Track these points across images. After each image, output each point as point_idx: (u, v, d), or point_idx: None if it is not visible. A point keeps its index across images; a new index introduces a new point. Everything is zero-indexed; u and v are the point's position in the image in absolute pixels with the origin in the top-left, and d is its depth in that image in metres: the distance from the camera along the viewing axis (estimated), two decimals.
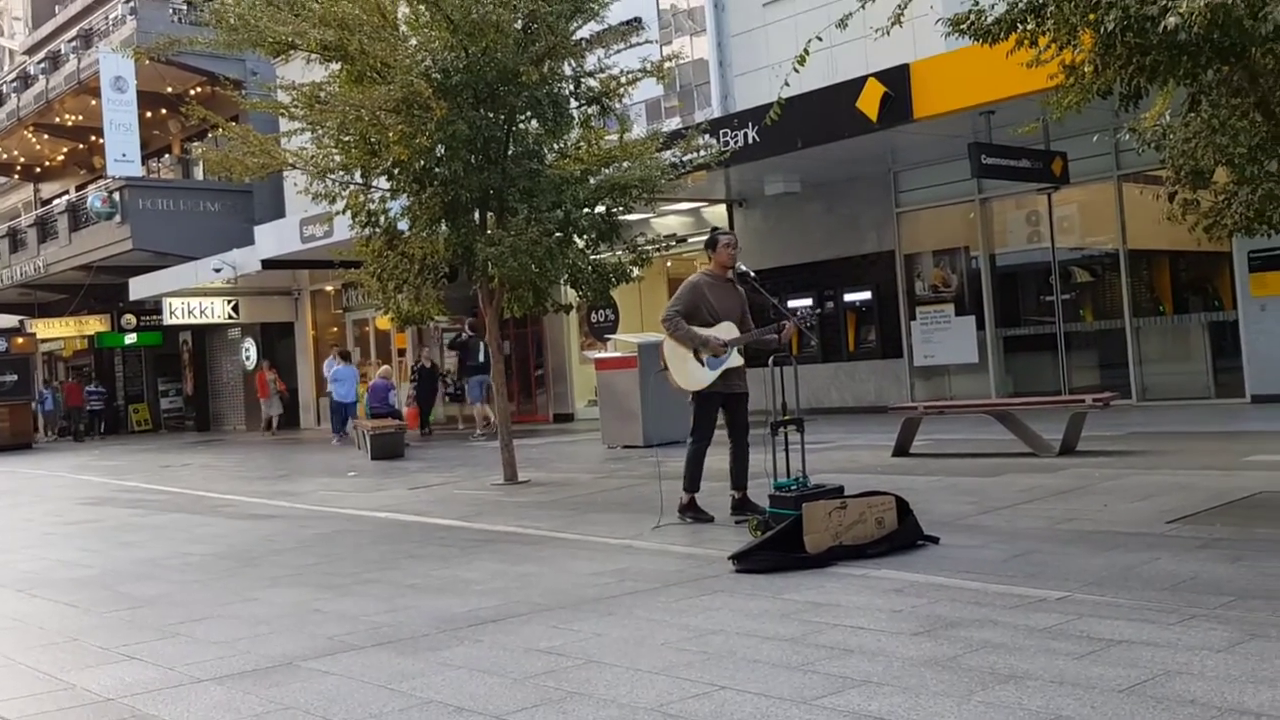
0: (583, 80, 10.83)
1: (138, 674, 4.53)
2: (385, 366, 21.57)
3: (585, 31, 10.90)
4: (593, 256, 11.16)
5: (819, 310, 17.36)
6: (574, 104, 10.81)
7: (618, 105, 11.22)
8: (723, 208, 19.03)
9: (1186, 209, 7.30)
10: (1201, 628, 4.17)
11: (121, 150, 26.36)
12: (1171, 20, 5.17)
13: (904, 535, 6.11)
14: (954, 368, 16.71)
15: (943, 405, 13.06)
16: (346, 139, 10.64)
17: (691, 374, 7.43)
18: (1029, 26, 6.35)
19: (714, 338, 7.35)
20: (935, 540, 6.17)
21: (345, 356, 21.98)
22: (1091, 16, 5.74)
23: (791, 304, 16.97)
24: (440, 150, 10.18)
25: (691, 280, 7.65)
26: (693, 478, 7.58)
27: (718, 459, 7.75)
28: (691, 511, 7.57)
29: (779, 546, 5.86)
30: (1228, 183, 7.05)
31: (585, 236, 10.91)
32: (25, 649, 5.16)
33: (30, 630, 5.61)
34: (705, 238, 7.95)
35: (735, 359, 7.49)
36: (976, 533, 6.47)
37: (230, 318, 27.75)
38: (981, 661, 3.93)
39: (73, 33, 30.94)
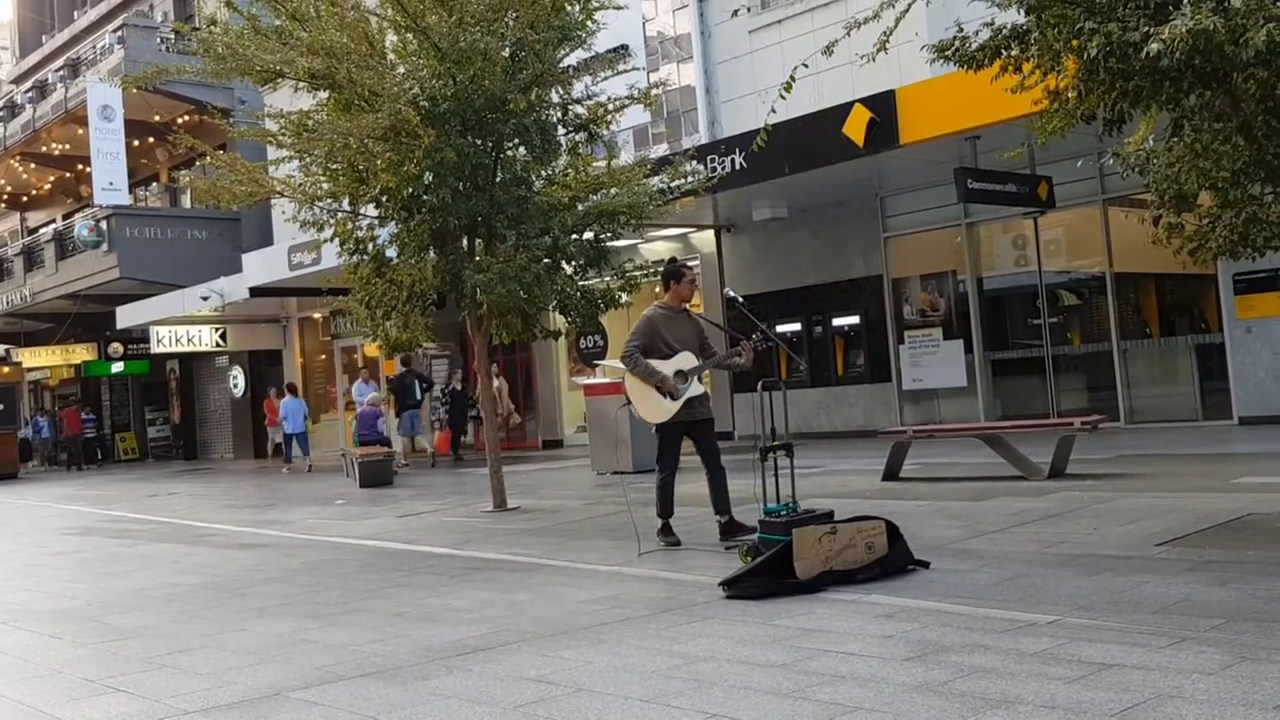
0: (570, 107, 10.87)
1: (124, 706, 4.49)
2: (374, 394, 21.50)
3: (573, 59, 10.95)
4: (581, 283, 11.16)
5: (781, 339, 17.39)
6: (562, 131, 10.84)
7: (605, 132, 11.25)
8: (710, 233, 19.09)
9: (1171, 232, 7.34)
10: (1192, 650, 4.16)
11: (109, 179, 26.31)
12: (1154, 46, 5.22)
13: (894, 560, 6.10)
14: (943, 392, 16.73)
15: (932, 429, 13.06)
16: (334, 167, 10.65)
17: (655, 406, 7.57)
18: (1013, 53, 6.40)
19: (669, 376, 7.49)
20: (925, 565, 6.16)
21: (292, 390, 22.95)
22: (1075, 43, 5.78)
23: (779, 329, 17.02)
24: (428, 178, 10.19)
25: (646, 314, 7.78)
26: (663, 504, 7.71)
27: (699, 485, 7.77)
28: (663, 535, 7.70)
29: (769, 572, 5.85)
30: (1211, 206, 7.09)
31: (573, 263, 10.91)
32: (9, 682, 5.10)
33: (14, 663, 5.55)
34: (666, 270, 7.95)
35: (696, 388, 7.63)
36: (966, 557, 6.47)
37: (218, 346, 27.66)
38: (973, 686, 3.91)
39: (60, 62, 30.97)
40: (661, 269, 8.31)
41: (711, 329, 8.12)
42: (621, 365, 7.70)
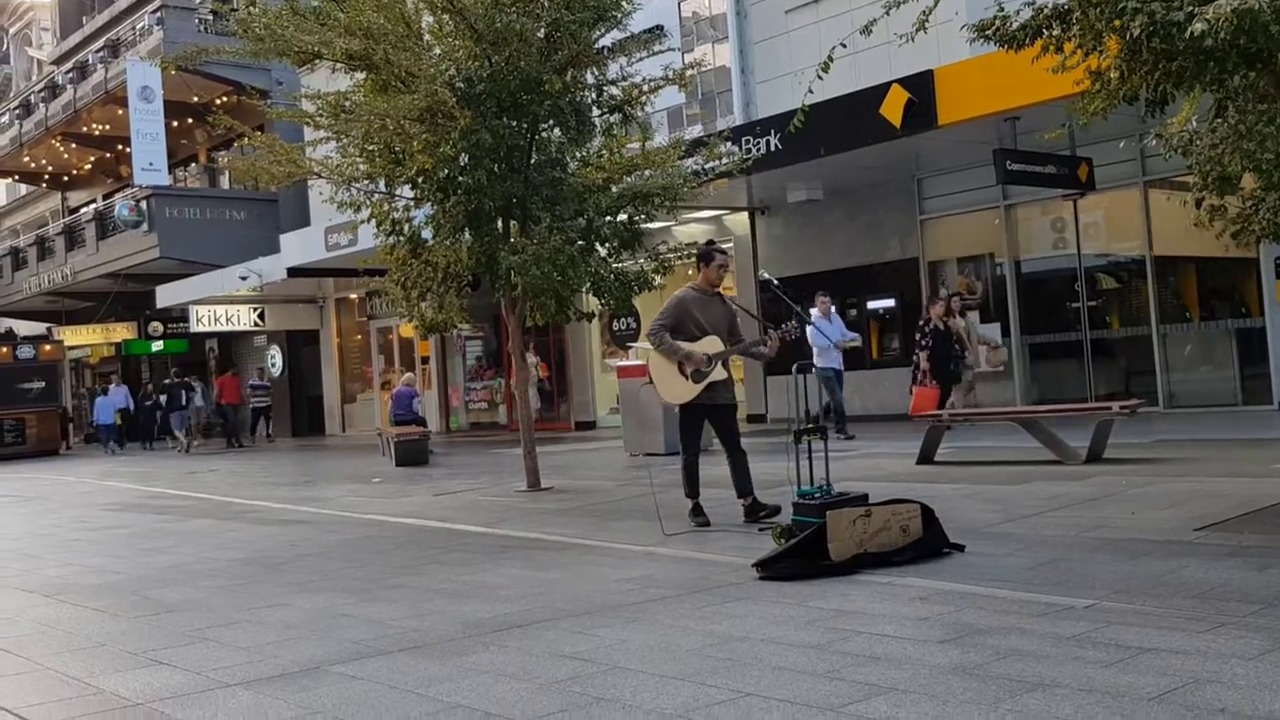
0: (605, 88, 10.86)
1: (165, 679, 4.57)
2: (409, 374, 21.66)
3: (608, 40, 10.94)
4: (615, 265, 11.17)
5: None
6: (596, 112, 10.84)
7: (640, 113, 11.24)
8: (745, 215, 19.02)
9: (1214, 215, 7.27)
10: (1231, 635, 4.14)
11: (148, 159, 26.53)
12: (1198, 26, 5.14)
13: (929, 543, 6.09)
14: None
15: (968, 413, 12.99)
16: (371, 148, 10.71)
17: (676, 386, 7.58)
18: (1054, 32, 6.34)
19: (696, 353, 7.47)
20: (961, 548, 6.14)
21: (105, 391, 28.34)
22: (1117, 23, 5.71)
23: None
24: (464, 159, 10.23)
25: (678, 295, 7.80)
26: (690, 485, 7.75)
27: (724, 467, 7.80)
28: (694, 515, 7.72)
29: (803, 554, 5.85)
30: (1255, 188, 7.01)
31: (608, 245, 10.93)
32: (53, 654, 5.20)
33: (58, 635, 5.66)
34: (699, 251, 7.96)
35: (719, 372, 7.62)
36: (1002, 541, 6.44)
37: (256, 325, 27.91)
38: (1009, 669, 3.91)
39: (100, 43, 31.21)
40: (696, 250, 8.28)
41: (745, 316, 8.09)
42: (651, 345, 7.71)
